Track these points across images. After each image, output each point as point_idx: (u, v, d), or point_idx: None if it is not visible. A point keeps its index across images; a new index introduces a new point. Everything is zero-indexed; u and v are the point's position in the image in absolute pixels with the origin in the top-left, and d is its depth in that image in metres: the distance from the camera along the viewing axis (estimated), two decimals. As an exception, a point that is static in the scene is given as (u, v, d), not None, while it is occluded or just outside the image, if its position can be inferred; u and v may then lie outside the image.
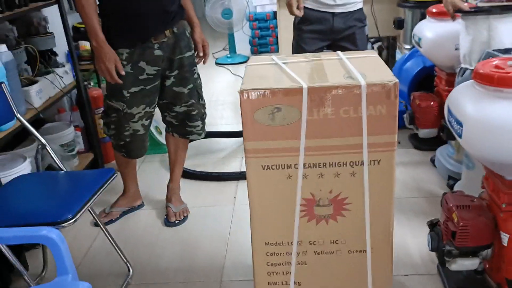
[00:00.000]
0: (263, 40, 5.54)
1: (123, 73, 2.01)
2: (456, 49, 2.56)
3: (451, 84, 2.76)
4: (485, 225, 1.62)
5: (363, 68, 1.45)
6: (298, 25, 2.61)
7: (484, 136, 1.46)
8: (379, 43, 4.41)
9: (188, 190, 2.63)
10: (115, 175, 1.79)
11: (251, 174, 1.45)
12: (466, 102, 1.53)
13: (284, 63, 1.59)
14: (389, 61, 4.45)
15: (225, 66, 5.19)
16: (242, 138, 3.49)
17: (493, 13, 2.13)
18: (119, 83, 2.03)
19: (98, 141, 2.92)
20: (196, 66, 2.27)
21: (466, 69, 2.35)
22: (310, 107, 1.36)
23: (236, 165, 2.95)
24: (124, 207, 2.46)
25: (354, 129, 1.37)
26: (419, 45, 2.75)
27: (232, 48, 5.38)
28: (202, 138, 2.43)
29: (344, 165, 1.41)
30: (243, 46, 5.55)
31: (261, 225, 1.51)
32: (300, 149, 1.40)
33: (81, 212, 1.54)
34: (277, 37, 5.49)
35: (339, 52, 1.67)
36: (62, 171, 1.86)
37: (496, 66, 1.54)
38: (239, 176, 2.73)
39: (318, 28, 2.55)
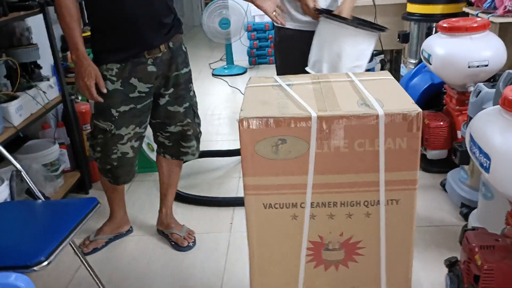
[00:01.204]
0: (262, 51, 5.38)
1: (104, 90, 1.84)
2: (469, 67, 2.41)
3: (462, 103, 2.60)
4: (512, 268, 1.44)
5: (379, 93, 1.28)
6: (279, 44, 2.43)
7: (516, 172, 1.29)
8: (381, 56, 4.25)
9: (180, 214, 2.44)
10: (98, 206, 1.61)
11: (251, 213, 1.27)
12: (494, 133, 1.36)
13: (288, 85, 1.42)
14: (392, 75, 4.29)
15: (222, 77, 5.02)
16: (239, 157, 3.30)
17: (347, 23, 2.09)
18: (99, 101, 1.86)
19: (85, 159, 2.73)
20: (192, 83, 2.10)
21: (482, 89, 2.19)
22: (319, 138, 1.18)
23: (233, 186, 2.76)
24: (110, 234, 2.26)
25: (370, 165, 1.20)
26: (428, 62, 2.58)
27: (229, 59, 5.21)
28: (196, 159, 2.25)
29: (358, 205, 1.23)
30: (240, 57, 5.38)
31: (262, 271, 1.33)
32: (308, 186, 1.22)
33: (56, 252, 1.35)
34: (275, 48, 5.34)
35: (350, 73, 1.50)
36: (39, 201, 1.67)
37: (528, 92, 1.37)
38: (237, 202, 2.53)
39: (302, 46, 2.28)
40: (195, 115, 2.13)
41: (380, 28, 2.18)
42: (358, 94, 1.31)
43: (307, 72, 2.25)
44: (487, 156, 1.35)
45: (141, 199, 2.67)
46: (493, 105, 1.90)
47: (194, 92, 2.12)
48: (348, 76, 1.46)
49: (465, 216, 2.23)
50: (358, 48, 2.14)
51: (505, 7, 2.77)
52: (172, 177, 2.24)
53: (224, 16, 5.00)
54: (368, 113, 1.16)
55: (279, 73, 2.57)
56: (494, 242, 1.51)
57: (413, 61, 3.62)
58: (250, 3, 2.31)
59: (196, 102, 2.14)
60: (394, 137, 1.17)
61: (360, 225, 1.25)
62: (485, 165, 1.36)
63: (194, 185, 2.78)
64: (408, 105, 1.19)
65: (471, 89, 2.53)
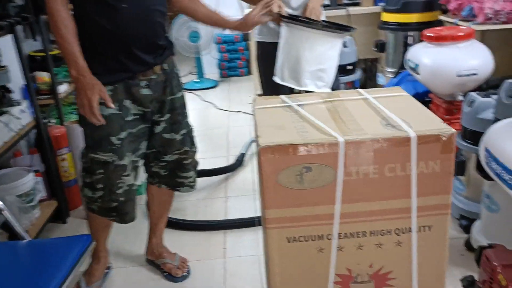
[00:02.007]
0: (232, 63, 5.28)
1: (112, 105, 1.63)
2: (458, 76, 2.39)
3: (450, 113, 2.58)
4: (537, 287, 1.39)
5: (400, 112, 1.21)
6: (262, 58, 2.37)
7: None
8: (355, 65, 4.22)
9: (169, 241, 2.29)
10: (92, 244, 1.46)
11: (273, 248, 1.16)
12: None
13: (299, 105, 1.33)
14: (367, 84, 4.29)
15: (194, 92, 4.89)
16: (221, 176, 3.15)
17: (311, 27, 1.96)
18: (101, 123, 1.62)
19: (61, 186, 2.56)
20: (186, 109, 1.94)
21: (475, 98, 2.16)
22: (347, 165, 1.09)
23: (220, 208, 2.64)
24: (101, 278, 2.04)
25: (401, 190, 1.12)
26: (416, 72, 2.55)
27: (200, 72, 5.09)
28: (193, 191, 2.07)
29: (388, 234, 1.15)
30: (211, 70, 5.26)
31: (286, 310, 1.22)
32: (335, 216, 1.13)
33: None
34: (246, 60, 5.26)
35: (360, 90, 1.42)
36: (24, 241, 1.50)
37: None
38: (230, 225, 2.41)
39: None
40: (192, 142, 1.97)
41: (345, 29, 2.07)
42: (378, 113, 1.23)
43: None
44: (513, 174, 1.29)
45: (125, 226, 2.50)
46: (495, 116, 1.86)
47: (188, 118, 1.97)
48: (360, 94, 1.39)
49: (466, 228, 2.18)
50: (318, 50, 2.01)
51: (486, 14, 2.78)
52: (165, 208, 2.09)
53: (193, 29, 4.87)
54: (399, 135, 1.08)
55: (264, 86, 2.49)
56: (515, 260, 1.45)
57: (391, 70, 3.60)
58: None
59: (192, 129, 1.98)
60: (426, 160, 1.10)
61: (391, 255, 1.17)
62: (511, 183, 1.31)
63: (179, 208, 2.64)
64: (439, 125, 1.12)
65: (460, 98, 2.52)
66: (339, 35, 2.05)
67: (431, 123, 1.14)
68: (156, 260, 2.12)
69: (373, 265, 1.17)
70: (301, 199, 1.11)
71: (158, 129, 1.85)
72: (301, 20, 2.05)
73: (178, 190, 2.02)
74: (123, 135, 1.71)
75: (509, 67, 2.93)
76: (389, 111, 1.22)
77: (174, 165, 1.93)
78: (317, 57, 2.03)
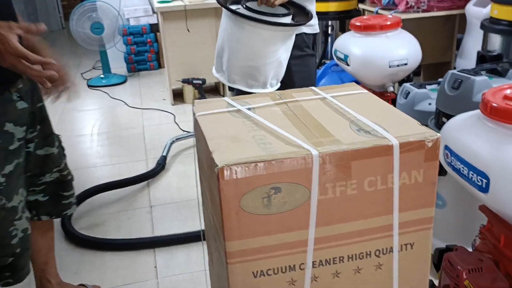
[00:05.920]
0: (141, 56, 4.93)
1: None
2: (390, 67, 2.33)
3: (380, 104, 2.52)
4: (504, 290, 1.33)
5: (369, 113, 1.06)
6: None
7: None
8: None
9: (89, 265, 2.01)
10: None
11: (236, 285, 0.96)
12: (487, 148, 1.21)
13: (249, 109, 1.13)
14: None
15: (100, 89, 4.49)
16: (141, 184, 2.83)
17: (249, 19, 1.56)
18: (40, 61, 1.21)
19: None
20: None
21: (410, 90, 2.10)
22: (322, 182, 0.92)
23: (145, 220, 2.38)
24: None
25: (382, 206, 0.97)
26: (345, 63, 2.45)
27: (106, 67, 4.68)
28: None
29: (368, 256, 1.00)
30: (118, 64, 4.87)
31: None
32: (309, 242, 0.96)
33: None
34: (156, 53, 4.94)
35: (314, 88, 1.25)
36: None
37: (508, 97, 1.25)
38: (160, 243, 2.16)
39: None
40: (63, 150, 1.68)
41: (300, 21, 1.70)
42: (344, 116, 1.07)
43: None
44: (483, 175, 1.19)
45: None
46: (437, 107, 1.79)
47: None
48: (315, 92, 1.22)
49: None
50: (248, 44, 1.62)
51: (407, 2, 2.76)
52: (49, 237, 1.74)
53: (95, 19, 4.46)
54: (379, 144, 0.92)
55: None
56: (479, 263, 1.37)
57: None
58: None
59: (59, 136, 1.68)
60: (409, 170, 0.95)
61: (370, 280, 1.02)
62: (480, 184, 1.21)
63: (98, 223, 2.35)
64: (419, 128, 0.98)
65: (391, 89, 2.47)
66: (283, 29, 1.61)
67: (408, 126, 1.00)
68: None
69: (351, 293, 1.02)
70: (269, 226, 0.92)
71: (31, 147, 1.51)
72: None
73: (64, 215, 1.72)
74: (8, 169, 1.35)
75: (427, 54, 2.95)
76: (356, 113, 1.06)
77: (55, 186, 1.62)
78: (248, 52, 1.65)
